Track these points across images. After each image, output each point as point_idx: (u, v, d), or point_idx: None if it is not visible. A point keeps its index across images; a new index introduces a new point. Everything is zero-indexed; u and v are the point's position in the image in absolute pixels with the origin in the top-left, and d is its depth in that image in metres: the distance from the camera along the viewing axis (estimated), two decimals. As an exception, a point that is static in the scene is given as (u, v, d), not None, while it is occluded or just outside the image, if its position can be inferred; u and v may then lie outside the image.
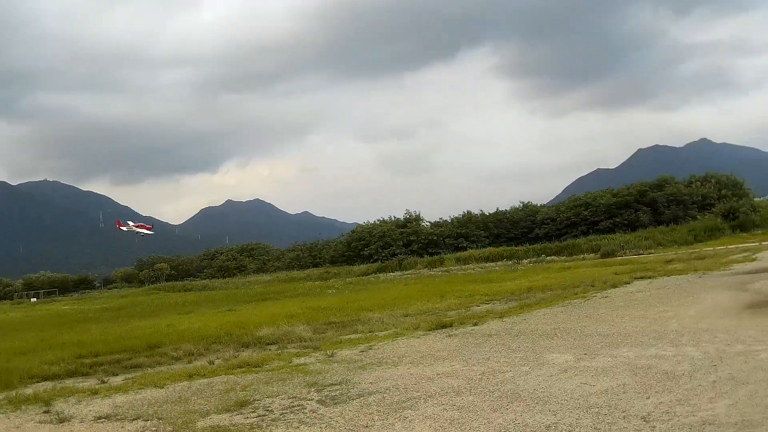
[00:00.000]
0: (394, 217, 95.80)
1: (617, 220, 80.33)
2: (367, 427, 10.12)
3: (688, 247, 56.01)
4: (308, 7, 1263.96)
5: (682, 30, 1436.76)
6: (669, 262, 40.68)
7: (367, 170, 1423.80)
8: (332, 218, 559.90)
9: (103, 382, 15.86)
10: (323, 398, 12.15)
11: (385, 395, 11.96)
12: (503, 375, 13.00)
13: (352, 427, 10.15)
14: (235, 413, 11.50)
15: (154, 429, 10.91)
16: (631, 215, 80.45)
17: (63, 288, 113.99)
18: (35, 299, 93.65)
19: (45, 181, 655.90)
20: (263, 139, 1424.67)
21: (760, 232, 63.64)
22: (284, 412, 11.39)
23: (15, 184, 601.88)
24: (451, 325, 20.95)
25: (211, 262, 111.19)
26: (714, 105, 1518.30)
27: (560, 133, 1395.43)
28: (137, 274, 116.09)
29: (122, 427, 11.27)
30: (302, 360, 16.69)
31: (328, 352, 17.50)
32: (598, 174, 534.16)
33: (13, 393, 14.72)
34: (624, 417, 9.42)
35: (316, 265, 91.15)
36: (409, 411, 10.76)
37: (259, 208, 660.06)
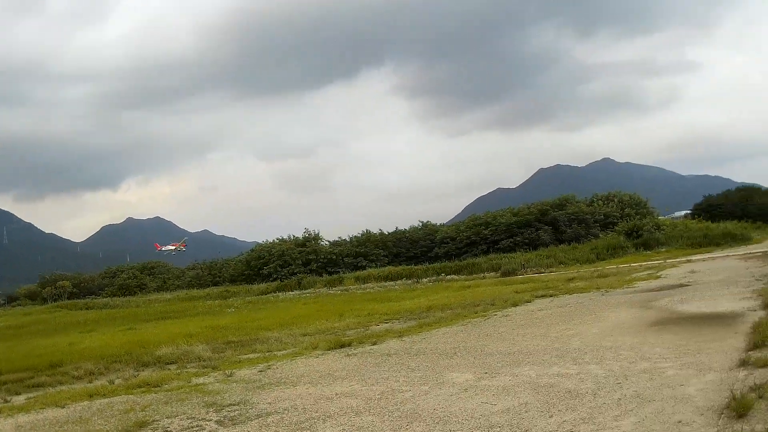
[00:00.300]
0: (294, 236, 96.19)
1: (518, 239, 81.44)
2: (264, 448, 9.91)
3: (590, 266, 57.12)
4: (212, 23, 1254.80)
5: (586, 51, 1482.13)
6: (571, 280, 41.29)
7: (266, 188, 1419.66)
8: (232, 237, 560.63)
9: (5, 401, 16.07)
10: (222, 419, 12.20)
11: (283, 415, 12.02)
12: (403, 395, 12.99)
13: (250, 449, 9.93)
14: (135, 434, 11.32)
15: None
16: (532, 234, 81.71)
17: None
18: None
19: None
20: (164, 156, 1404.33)
21: (664, 250, 65.51)
22: (184, 432, 11.22)
23: None
24: (350, 345, 21.14)
25: (113, 280, 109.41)
26: (618, 125, 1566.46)
27: (461, 153, 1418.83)
28: (40, 292, 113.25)
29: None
30: (201, 380, 16.86)
31: (227, 371, 17.69)
32: (499, 193, 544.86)
33: None
34: (527, 436, 9.29)
35: (215, 284, 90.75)
36: (308, 432, 10.56)
37: (159, 225, 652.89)
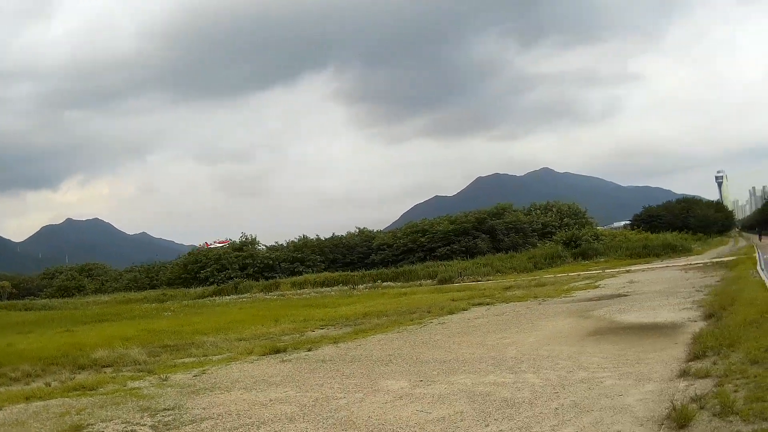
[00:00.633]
0: (231, 240, 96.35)
1: (455, 246, 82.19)
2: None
3: (528, 274, 57.72)
4: (156, 25, 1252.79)
5: (528, 60, 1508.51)
6: (508, 288, 41.62)
7: (205, 191, 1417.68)
8: (169, 239, 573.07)
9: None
10: (156, 423, 12.08)
11: (217, 421, 11.94)
12: (337, 402, 12.91)
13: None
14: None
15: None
16: (470, 242, 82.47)
17: None
18: None
19: None
20: (104, 157, 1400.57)
21: (603, 259, 66.65)
22: (118, 437, 11.14)
23: None
24: (285, 350, 21.12)
25: (51, 281, 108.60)
26: (558, 135, 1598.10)
27: (399, 160, 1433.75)
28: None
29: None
30: (137, 383, 16.71)
31: (162, 375, 17.57)
32: (437, 201, 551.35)
33: None
34: (462, 445, 9.17)
35: (153, 287, 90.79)
36: (242, 438, 10.47)
37: (98, 227, 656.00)
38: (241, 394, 14.44)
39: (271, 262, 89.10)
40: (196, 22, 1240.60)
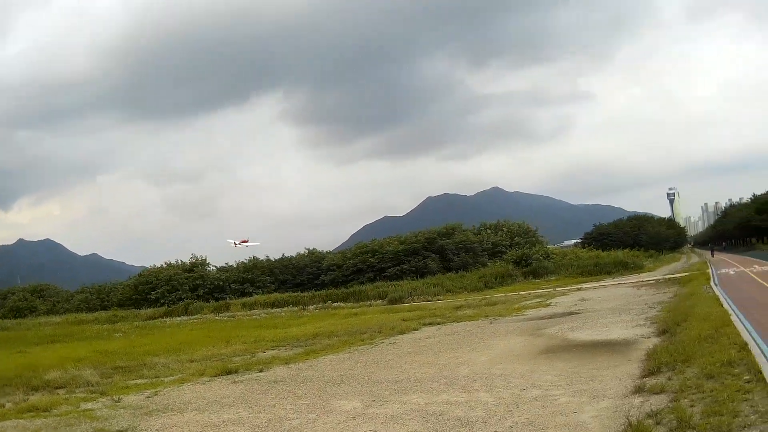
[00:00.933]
0: (181, 261, 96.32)
1: (405, 266, 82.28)
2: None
3: (478, 294, 57.90)
4: (107, 44, 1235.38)
5: (478, 80, 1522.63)
6: (459, 308, 41.63)
7: (155, 212, 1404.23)
8: (120, 260, 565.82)
9: None
10: None
11: None
12: (290, 422, 12.94)
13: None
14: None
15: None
16: (419, 262, 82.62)
17: None
18: None
19: None
20: (56, 177, 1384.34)
21: (554, 278, 67.11)
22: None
23: None
24: (236, 371, 21.17)
25: (3, 302, 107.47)
26: (508, 154, 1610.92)
27: (349, 181, 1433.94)
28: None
29: None
30: (90, 405, 16.77)
31: (114, 397, 17.64)
32: (386, 221, 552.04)
33: None
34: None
35: (104, 308, 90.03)
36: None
37: (49, 247, 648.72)
38: (194, 415, 14.43)
39: (221, 283, 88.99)
40: (148, 42, 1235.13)
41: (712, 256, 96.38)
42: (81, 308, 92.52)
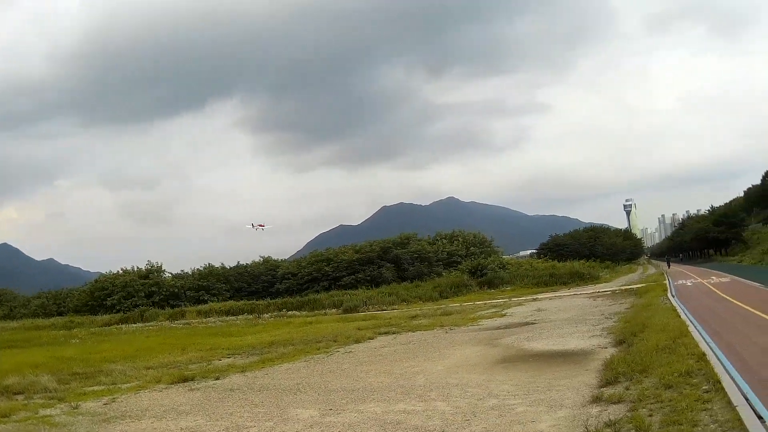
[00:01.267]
0: (137, 268, 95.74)
1: (360, 275, 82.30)
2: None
3: (433, 303, 58.15)
4: (65, 49, 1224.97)
5: (435, 90, 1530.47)
6: (414, 317, 41.72)
7: (112, 218, 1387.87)
8: (77, 266, 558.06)
9: None
10: None
11: None
12: (247, 430, 13.00)
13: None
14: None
15: None
16: (375, 271, 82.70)
17: None
18: None
19: None
20: (12, 181, 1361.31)
21: (509, 288, 67.53)
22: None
23: None
24: (193, 379, 21.18)
25: None
26: (464, 164, 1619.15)
27: (305, 189, 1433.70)
28: None
29: None
30: (48, 411, 16.78)
31: (73, 403, 17.65)
32: (342, 230, 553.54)
33: None
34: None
35: (60, 314, 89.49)
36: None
37: (6, 252, 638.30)
38: (151, 422, 14.46)
39: (176, 290, 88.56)
40: (105, 48, 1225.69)
41: (669, 267, 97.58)
42: (38, 314, 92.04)
